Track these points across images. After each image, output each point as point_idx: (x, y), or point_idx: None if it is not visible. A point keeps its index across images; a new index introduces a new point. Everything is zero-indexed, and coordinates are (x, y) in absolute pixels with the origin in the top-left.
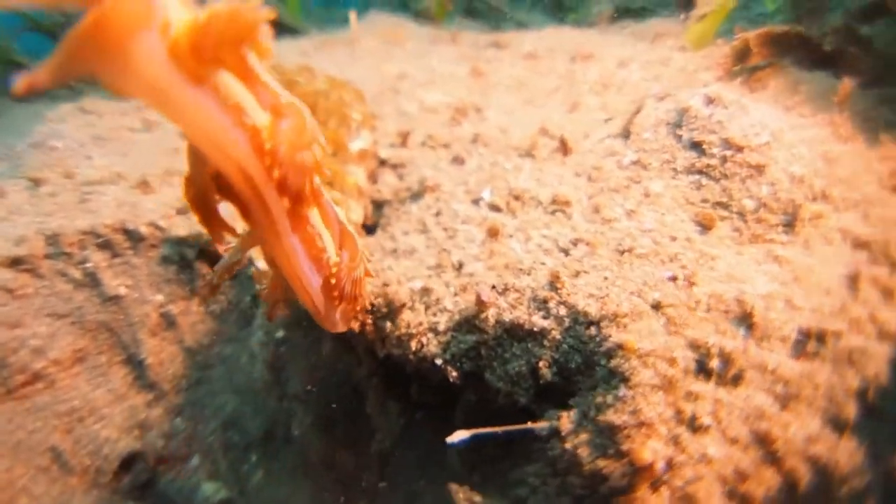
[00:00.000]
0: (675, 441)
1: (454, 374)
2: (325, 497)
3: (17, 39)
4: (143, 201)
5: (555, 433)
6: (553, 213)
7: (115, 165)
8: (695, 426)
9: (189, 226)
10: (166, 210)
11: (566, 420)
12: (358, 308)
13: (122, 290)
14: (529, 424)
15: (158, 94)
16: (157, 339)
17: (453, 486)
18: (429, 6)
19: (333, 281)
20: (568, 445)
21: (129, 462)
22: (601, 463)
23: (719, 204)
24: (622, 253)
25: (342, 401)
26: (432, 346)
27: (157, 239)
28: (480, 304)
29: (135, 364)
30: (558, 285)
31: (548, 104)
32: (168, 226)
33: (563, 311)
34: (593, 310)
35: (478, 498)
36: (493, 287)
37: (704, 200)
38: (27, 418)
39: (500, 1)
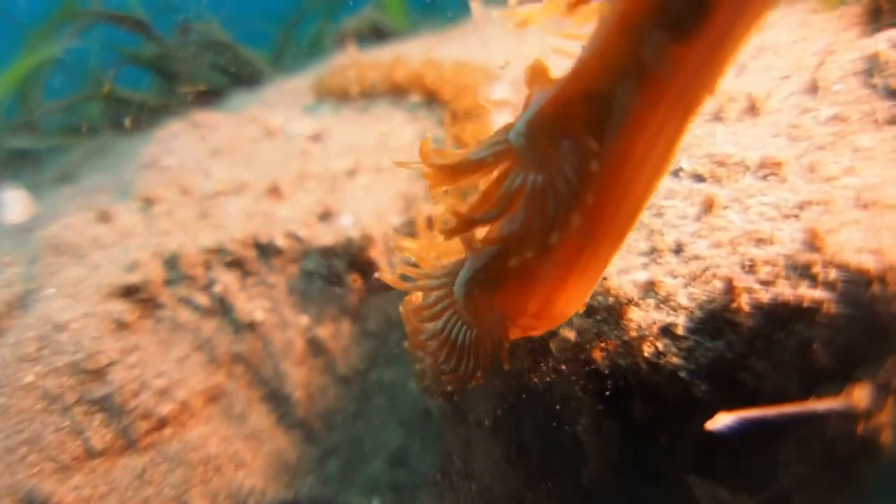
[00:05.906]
0: None
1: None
2: None
3: (116, 75)
4: (276, 210)
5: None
6: (765, 177)
7: (238, 176)
8: None
9: (335, 233)
10: (306, 217)
11: (861, 394)
12: None
13: (259, 315)
14: (811, 403)
15: None
16: (304, 370)
17: (693, 479)
18: None
19: None
20: (862, 427)
21: None
22: None
23: None
24: (865, 207)
25: (537, 426)
26: (671, 354)
27: (296, 252)
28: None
29: (279, 400)
30: (818, 244)
31: None
32: (309, 235)
33: (833, 274)
34: (871, 264)
35: (724, 494)
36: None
37: None
38: (155, 471)
39: None
